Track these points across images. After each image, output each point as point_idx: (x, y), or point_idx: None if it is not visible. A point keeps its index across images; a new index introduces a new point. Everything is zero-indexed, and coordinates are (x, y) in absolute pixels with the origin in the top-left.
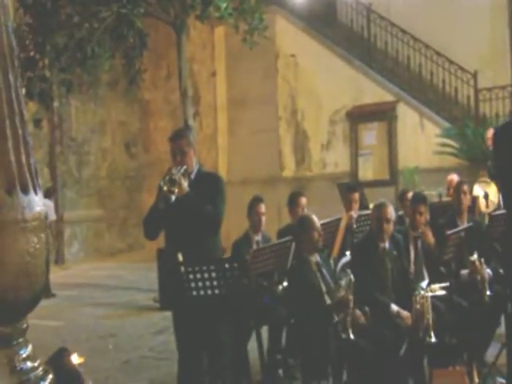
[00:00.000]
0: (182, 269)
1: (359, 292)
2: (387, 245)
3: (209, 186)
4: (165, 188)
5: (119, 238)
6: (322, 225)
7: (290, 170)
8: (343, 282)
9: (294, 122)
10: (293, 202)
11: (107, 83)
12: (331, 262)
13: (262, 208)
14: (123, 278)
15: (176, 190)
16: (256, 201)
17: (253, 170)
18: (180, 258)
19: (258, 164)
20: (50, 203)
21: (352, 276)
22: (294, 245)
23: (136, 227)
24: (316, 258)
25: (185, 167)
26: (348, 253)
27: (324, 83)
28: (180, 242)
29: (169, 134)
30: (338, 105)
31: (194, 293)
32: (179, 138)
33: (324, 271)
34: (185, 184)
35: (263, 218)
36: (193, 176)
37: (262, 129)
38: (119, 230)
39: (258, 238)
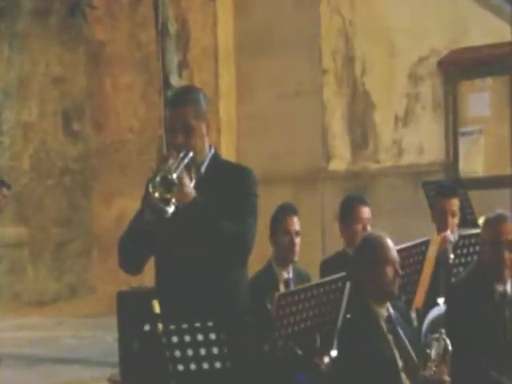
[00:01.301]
0: (161, 327)
1: (461, 368)
2: (509, 287)
3: (231, 185)
4: (156, 194)
5: (52, 275)
6: (398, 251)
7: (341, 161)
8: (434, 352)
9: (350, 80)
10: (348, 213)
11: (31, 12)
12: (413, 316)
13: (295, 224)
14: (60, 344)
15: (174, 199)
16: (284, 212)
17: (279, 160)
18: (156, 307)
19: (286, 150)
20: None
21: (449, 341)
22: (348, 287)
23: (82, 256)
24: (388, 310)
25: (191, 155)
26: (441, 301)
27: (399, 14)
28: (180, 280)
29: (137, 99)
30: (424, 49)
31: (181, 367)
32: (184, 104)
33: (400, 333)
34: (189, 185)
35: (297, 241)
36: (204, 168)
37: (295, 91)
38: (53, 262)
39: (288, 274)
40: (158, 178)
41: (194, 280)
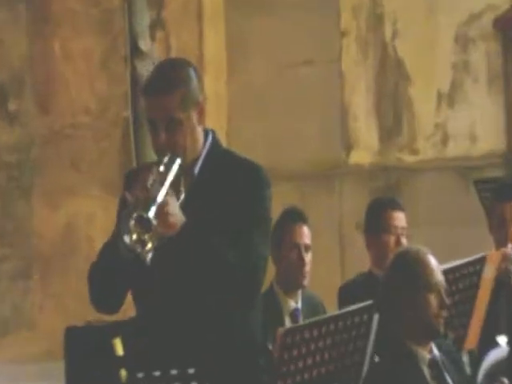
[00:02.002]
0: (125, 374)
1: None
2: None
3: (233, 191)
4: (133, 237)
5: None
6: (444, 273)
7: (366, 151)
8: None
9: (377, 45)
10: (376, 221)
11: None
12: (464, 360)
13: (304, 236)
14: None
15: (154, 239)
16: (290, 220)
17: (282, 150)
18: (118, 348)
19: (292, 138)
20: None
21: None
22: (377, 320)
23: (17, 279)
24: (431, 351)
25: (178, 162)
26: (502, 340)
27: None
28: (167, 324)
29: (96, 69)
30: (477, 4)
31: None
32: (166, 91)
33: (448, 382)
34: (175, 212)
35: (307, 258)
36: (197, 168)
37: (304, 59)
38: None
39: (296, 302)
40: (131, 222)
41: (185, 327)
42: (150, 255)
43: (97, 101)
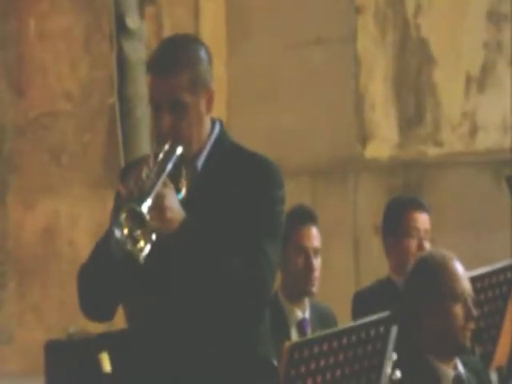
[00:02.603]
0: None
1: None
2: None
3: (242, 189)
4: (124, 232)
5: None
6: (471, 281)
7: (384, 144)
8: None
9: (398, 22)
10: (395, 223)
11: None
12: (493, 378)
13: (314, 238)
14: None
15: (148, 236)
16: (298, 221)
17: (290, 142)
18: (105, 364)
19: (302, 128)
20: None
21: None
22: (396, 333)
23: None
24: (456, 368)
25: (179, 152)
26: None
27: None
28: (162, 338)
29: (77, 50)
30: None
31: None
32: (174, 70)
33: None
34: (174, 207)
35: (316, 264)
36: (201, 163)
37: (314, 38)
38: None
39: (303, 312)
40: (123, 215)
41: (182, 342)
42: (143, 254)
43: (78, 86)
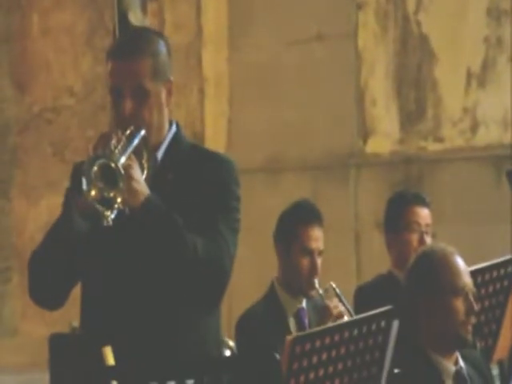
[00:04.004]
0: None
1: None
2: None
3: (200, 180)
4: (92, 192)
5: None
6: (472, 275)
7: (385, 139)
8: None
9: (399, 18)
10: (397, 218)
11: None
12: (494, 373)
13: (319, 240)
14: None
15: (118, 198)
16: (303, 220)
17: (291, 137)
18: (109, 357)
19: (302, 123)
20: None
21: None
22: (397, 327)
23: None
24: (456, 363)
25: (142, 133)
26: None
27: None
28: (122, 320)
29: (80, 45)
30: None
31: None
32: (136, 55)
33: None
34: (140, 179)
35: (319, 261)
36: (161, 154)
37: (315, 34)
38: None
39: (300, 302)
40: (94, 167)
41: (142, 322)
42: (111, 218)
43: (81, 82)
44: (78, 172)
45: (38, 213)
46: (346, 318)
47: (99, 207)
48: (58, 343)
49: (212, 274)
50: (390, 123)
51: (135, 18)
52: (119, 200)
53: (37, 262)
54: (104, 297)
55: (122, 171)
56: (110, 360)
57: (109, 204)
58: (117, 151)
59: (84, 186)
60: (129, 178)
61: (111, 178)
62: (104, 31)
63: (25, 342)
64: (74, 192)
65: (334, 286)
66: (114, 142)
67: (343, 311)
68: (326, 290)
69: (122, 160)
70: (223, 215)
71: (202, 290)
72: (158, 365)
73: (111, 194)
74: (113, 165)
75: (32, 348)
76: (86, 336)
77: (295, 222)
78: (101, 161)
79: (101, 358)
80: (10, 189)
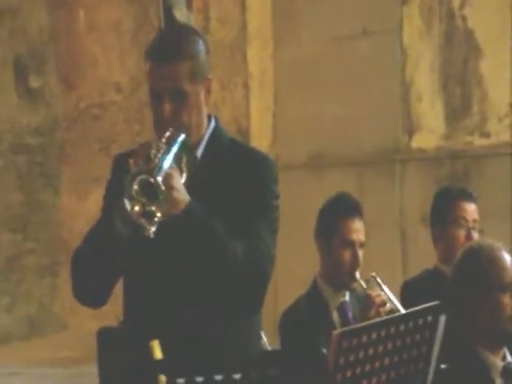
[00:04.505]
0: (164, 380)
1: None
2: None
3: (239, 179)
4: (136, 208)
5: (1, 303)
6: None
7: (431, 134)
8: None
9: (444, 13)
10: (444, 213)
11: None
12: None
13: (360, 232)
14: None
15: (159, 212)
16: (346, 213)
17: (335, 132)
18: (157, 351)
19: (347, 118)
20: None
21: None
22: (443, 322)
23: (45, 275)
24: (504, 358)
25: (182, 138)
26: None
27: None
28: (167, 317)
29: (126, 42)
30: None
31: None
32: (175, 58)
33: None
34: (181, 188)
35: (360, 254)
36: (200, 151)
37: (360, 30)
38: (1, 284)
39: (343, 296)
40: (135, 186)
41: (185, 321)
42: (153, 228)
43: (127, 78)
44: (118, 165)
45: (87, 208)
46: (388, 306)
47: (143, 221)
48: (106, 337)
49: (252, 278)
50: (436, 118)
51: (180, 14)
52: (160, 214)
53: (78, 261)
54: (148, 295)
55: (162, 187)
56: (158, 354)
57: (150, 217)
58: (157, 160)
59: (127, 202)
60: (169, 188)
61: (152, 192)
62: (149, 27)
63: (74, 337)
64: (116, 199)
65: (375, 276)
66: (153, 151)
67: (386, 300)
68: (367, 282)
69: (162, 171)
70: (263, 216)
71: (242, 294)
72: (205, 359)
73: (152, 208)
74: (152, 180)
75: (81, 342)
76: (133, 330)
77: (335, 214)
78: (141, 177)
79: (149, 351)
80: (58, 184)
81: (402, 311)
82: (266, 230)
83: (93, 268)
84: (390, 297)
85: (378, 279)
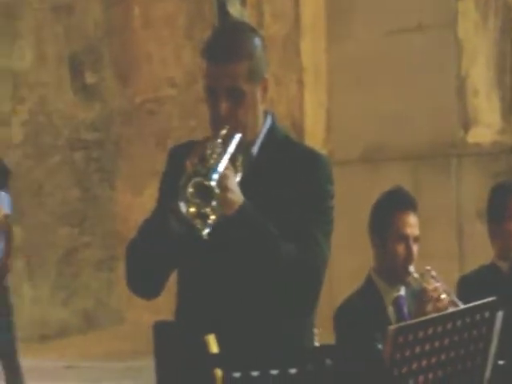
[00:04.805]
0: (220, 374)
1: None
2: None
3: (295, 178)
4: (191, 209)
5: (58, 296)
6: None
7: (487, 129)
8: None
9: (500, 7)
10: (501, 208)
11: None
12: None
13: (414, 226)
14: None
15: (213, 215)
16: (397, 206)
17: (390, 127)
18: (213, 345)
19: (402, 113)
20: None
21: None
22: (501, 318)
23: (102, 269)
24: None
25: (237, 138)
26: None
27: None
28: (223, 313)
29: (180, 37)
30: None
31: None
32: (233, 58)
33: None
34: (235, 189)
35: (414, 248)
36: (256, 149)
37: (415, 24)
38: (58, 278)
39: (398, 290)
40: (190, 189)
41: (240, 318)
42: (207, 230)
43: (182, 73)
44: (173, 157)
45: (143, 202)
46: (445, 299)
47: (197, 222)
48: (162, 331)
49: (305, 280)
50: (492, 113)
51: (234, 9)
52: (214, 216)
53: (132, 251)
54: (203, 291)
55: (217, 190)
56: (214, 348)
57: (205, 218)
58: (212, 161)
59: (182, 205)
60: (224, 189)
61: (207, 194)
62: (204, 23)
63: (131, 330)
64: (171, 199)
65: (430, 270)
66: (209, 151)
67: (442, 293)
68: (422, 275)
69: (218, 172)
70: (317, 217)
71: (295, 295)
72: (261, 354)
73: (207, 210)
74: (207, 183)
75: (137, 336)
76: (189, 324)
77: (389, 208)
78: (196, 179)
79: (205, 345)
80: (114, 179)
81: (460, 304)
82: (321, 231)
83: (146, 260)
84: (446, 290)
85: (433, 272)
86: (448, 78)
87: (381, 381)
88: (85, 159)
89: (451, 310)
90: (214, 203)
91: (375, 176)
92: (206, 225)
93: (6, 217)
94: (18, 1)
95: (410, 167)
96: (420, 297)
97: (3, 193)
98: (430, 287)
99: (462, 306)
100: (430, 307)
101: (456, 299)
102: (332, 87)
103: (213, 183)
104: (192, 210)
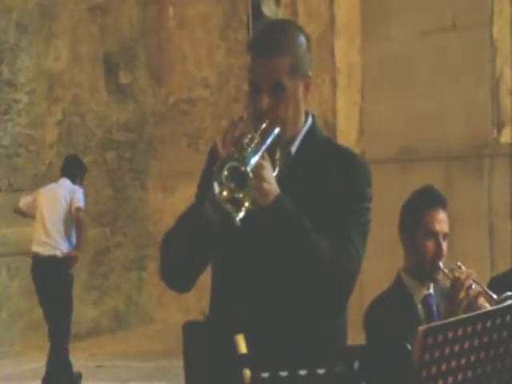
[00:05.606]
0: (249, 374)
1: None
2: None
3: (333, 179)
4: (224, 193)
5: (89, 296)
6: None
7: None
8: None
9: None
10: None
11: None
12: None
13: (444, 223)
14: None
15: (247, 201)
16: (427, 203)
17: (423, 127)
18: (241, 345)
19: (435, 113)
20: None
21: None
22: None
23: (133, 269)
24: None
25: (277, 131)
26: None
27: None
28: (253, 311)
29: (214, 37)
30: None
31: None
32: (276, 52)
33: None
34: (271, 179)
35: (444, 245)
36: (295, 148)
37: (450, 24)
38: (89, 278)
39: (428, 289)
40: (225, 172)
41: (270, 317)
42: (240, 216)
43: (215, 73)
44: (213, 156)
45: (174, 202)
46: (474, 286)
47: (229, 207)
48: (191, 330)
49: (337, 279)
50: None
51: (269, 9)
52: (247, 203)
53: (168, 242)
54: (235, 289)
55: (251, 175)
56: (243, 348)
57: (238, 204)
58: (250, 150)
59: (215, 187)
60: (260, 178)
61: (241, 180)
62: (238, 23)
63: (160, 329)
64: (209, 183)
65: (460, 265)
66: (247, 140)
67: (473, 281)
68: (451, 270)
69: (254, 160)
70: (354, 218)
71: (327, 294)
72: (290, 354)
73: (241, 195)
74: (243, 169)
75: (167, 335)
76: (219, 324)
77: (419, 205)
78: (231, 163)
79: (233, 346)
80: (146, 179)
81: (490, 293)
82: (356, 232)
83: (180, 249)
84: (477, 281)
85: (463, 267)
86: (482, 78)
87: (410, 382)
88: (117, 159)
89: (482, 301)
90: (247, 189)
91: (407, 176)
92: (238, 210)
93: (78, 210)
94: (54, 1)
95: (442, 167)
96: (453, 285)
97: (77, 187)
98: (463, 276)
99: (493, 307)
100: (462, 295)
101: (487, 289)
102: (366, 87)
103: (248, 169)
104: (225, 193)
